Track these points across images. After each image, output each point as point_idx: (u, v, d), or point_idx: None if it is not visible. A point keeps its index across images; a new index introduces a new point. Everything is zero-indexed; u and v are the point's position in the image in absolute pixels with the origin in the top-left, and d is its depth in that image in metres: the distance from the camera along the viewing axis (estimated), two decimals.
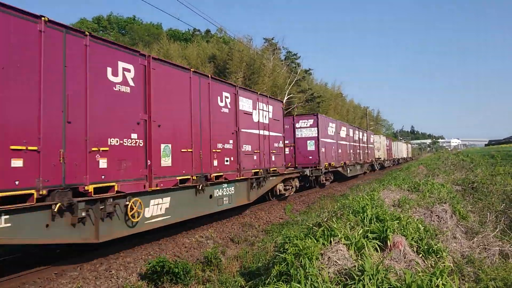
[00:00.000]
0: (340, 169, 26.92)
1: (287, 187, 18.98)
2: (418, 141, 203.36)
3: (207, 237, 11.98)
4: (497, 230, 8.40)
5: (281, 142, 17.59)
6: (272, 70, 39.51)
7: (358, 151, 33.50)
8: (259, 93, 16.05)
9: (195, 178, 11.15)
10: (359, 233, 6.01)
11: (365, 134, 37.24)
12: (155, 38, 54.05)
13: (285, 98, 44.05)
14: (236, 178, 13.61)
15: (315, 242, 5.71)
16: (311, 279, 4.82)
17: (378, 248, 5.76)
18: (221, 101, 12.79)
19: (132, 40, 57.12)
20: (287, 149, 20.93)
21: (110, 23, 73.34)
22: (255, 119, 15.16)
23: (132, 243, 10.54)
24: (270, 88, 38.62)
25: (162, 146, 9.83)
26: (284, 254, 5.56)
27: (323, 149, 22.88)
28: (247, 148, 14.30)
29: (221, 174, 12.59)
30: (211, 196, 12.28)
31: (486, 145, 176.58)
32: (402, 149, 68.92)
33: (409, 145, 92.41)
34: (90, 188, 7.81)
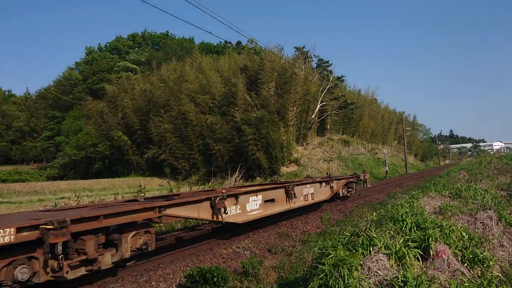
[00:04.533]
0: None
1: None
2: (458, 145, 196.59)
3: (244, 247, 11.99)
4: None
5: None
6: (304, 78, 39.39)
7: None
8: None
9: None
10: (399, 242, 5.84)
11: None
12: (187, 52, 55.19)
13: (318, 106, 43.78)
14: None
15: (354, 252, 5.60)
16: None
17: (420, 258, 5.58)
18: None
19: (166, 54, 58.53)
20: None
21: (145, 39, 75.53)
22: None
23: (170, 255, 10.68)
24: (302, 97, 38.48)
25: None
26: (322, 265, 5.48)
27: None
28: None
29: None
30: None
31: None
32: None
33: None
34: None
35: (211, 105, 37.01)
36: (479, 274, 5.44)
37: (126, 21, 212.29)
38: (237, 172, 25.39)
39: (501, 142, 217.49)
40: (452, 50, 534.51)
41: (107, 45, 72.37)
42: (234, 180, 23.28)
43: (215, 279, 7.58)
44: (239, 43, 59.40)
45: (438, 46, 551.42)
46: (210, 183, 22.64)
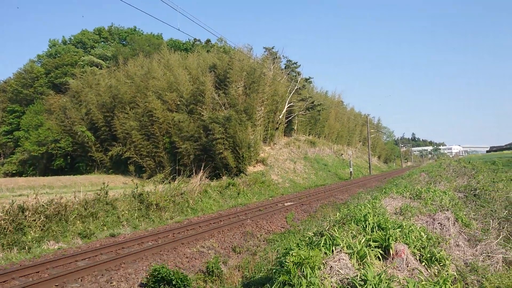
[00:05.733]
0: None
1: None
2: (420, 148, 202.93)
3: (208, 247, 11.93)
4: (500, 237, 8.35)
5: None
6: (272, 79, 39.57)
7: None
8: None
9: None
10: (361, 241, 5.96)
11: None
12: (155, 48, 54.23)
13: (286, 107, 44.10)
14: None
15: (317, 251, 5.66)
16: None
17: (381, 257, 5.72)
18: None
19: (133, 50, 57.34)
20: None
21: (111, 34, 73.69)
22: None
23: (133, 254, 10.48)
24: (270, 97, 38.63)
25: None
26: (286, 264, 5.51)
27: None
28: None
29: None
30: None
31: (487, 151, 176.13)
32: None
33: None
34: None
35: (179, 103, 36.57)
36: (436, 273, 5.63)
37: (92, 14, 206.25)
38: (202, 171, 25.15)
39: (459, 145, 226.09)
40: (416, 54, 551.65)
41: (72, 38, 70.14)
42: (199, 179, 23.05)
43: (174, 280, 7.51)
44: (208, 41, 58.93)
45: (403, 50, 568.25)
46: (176, 182, 22.32)
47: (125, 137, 39.23)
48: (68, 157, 46.95)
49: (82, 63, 58.01)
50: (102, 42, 71.19)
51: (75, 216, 14.31)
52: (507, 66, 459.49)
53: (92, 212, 15.06)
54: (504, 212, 11.40)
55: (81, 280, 8.59)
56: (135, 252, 10.78)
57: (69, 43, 69.66)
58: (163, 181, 30.09)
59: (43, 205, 13.71)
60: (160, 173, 35.22)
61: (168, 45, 56.09)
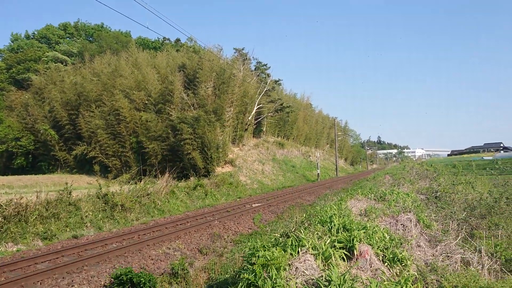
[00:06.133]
0: None
1: None
2: (385, 151, 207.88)
3: (174, 248, 11.79)
4: (459, 238, 8.65)
5: None
6: (242, 80, 39.59)
7: None
8: None
9: None
10: (326, 243, 6.03)
11: None
12: (123, 46, 53.18)
13: (255, 108, 44.23)
14: None
15: (283, 252, 5.69)
16: None
17: (345, 258, 5.80)
18: None
19: (100, 47, 56.02)
20: None
21: (77, 30, 71.73)
22: None
23: (96, 256, 10.22)
24: (240, 98, 38.65)
25: None
26: (252, 265, 5.51)
27: None
28: None
29: None
30: None
31: (448, 155, 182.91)
32: None
33: None
34: None
35: (147, 102, 35.97)
36: (398, 273, 5.76)
37: (57, 8, 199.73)
38: (170, 171, 24.86)
39: (423, 149, 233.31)
40: (381, 58, 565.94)
41: (36, 33, 67.81)
42: (167, 180, 22.75)
43: (140, 282, 7.37)
44: (178, 40, 58.30)
45: (370, 54, 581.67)
46: (142, 182, 21.96)
47: (90, 136, 38.24)
48: (30, 155, 45.30)
49: (46, 59, 56.15)
50: (68, 38, 69.20)
51: (36, 217, 13.82)
52: (468, 73, 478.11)
53: (54, 212, 14.60)
54: (463, 214, 11.83)
55: (40, 284, 8.30)
56: (99, 254, 10.51)
57: (32, 38, 67.33)
58: (129, 182, 29.57)
59: (1, 205, 13.18)
60: (127, 173, 34.55)
61: (136, 43, 55.18)
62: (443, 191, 15.68)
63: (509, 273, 7.46)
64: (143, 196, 19.47)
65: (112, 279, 7.66)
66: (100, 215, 16.12)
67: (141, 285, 7.32)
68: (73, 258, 10.20)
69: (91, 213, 15.90)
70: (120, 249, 11.12)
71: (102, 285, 8.29)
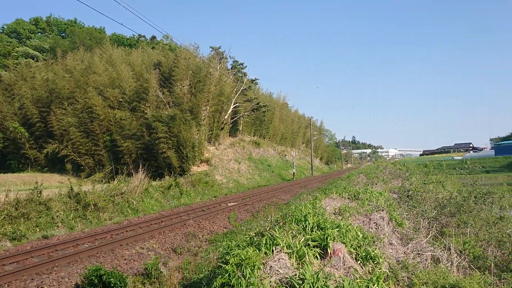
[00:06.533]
0: None
1: None
2: (359, 151, 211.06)
3: (148, 248, 11.65)
4: (430, 236, 8.86)
5: None
6: (218, 79, 39.43)
7: None
8: None
9: None
10: (300, 241, 6.07)
11: None
12: (97, 42, 52.12)
13: (231, 107, 44.13)
14: None
15: (258, 251, 5.69)
16: None
17: (319, 256, 5.85)
18: None
19: (73, 43, 54.73)
20: None
21: (49, 25, 69.87)
22: None
23: (68, 257, 10.00)
24: (216, 97, 38.48)
25: None
26: (226, 264, 5.49)
27: None
28: None
29: None
30: None
31: (420, 155, 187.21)
32: None
33: None
34: None
35: (121, 100, 35.35)
36: (370, 271, 5.85)
37: (28, 2, 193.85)
38: (145, 170, 24.52)
39: (396, 149, 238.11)
40: (357, 59, 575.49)
41: (5, 27, 65.75)
42: (141, 179, 22.45)
43: (112, 282, 7.24)
44: (153, 37, 57.69)
45: (346, 54, 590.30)
46: (115, 181, 21.60)
47: (62, 134, 37.30)
48: None
49: (16, 54, 54.51)
50: (39, 33, 67.33)
51: (4, 217, 13.41)
52: (439, 76, 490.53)
53: (23, 212, 14.19)
54: (433, 212, 12.13)
55: (8, 286, 8.05)
56: (70, 254, 10.28)
57: (1, 32, 65.21)
58: (103, 181, 29.04)
59: None
60: (100, 172, 33.89)
61: (111, 39, 54.16)
62: (415, 190, 16.03)
63: (476, 270, 7.69)
64: (116, 195, 19.15)
65: (83, 280, 7.50)
66: (72, 214, 15.77)
67: (112, 285, 7.18)
68: (43, 259, 9.94)
69: (62, 213, 15.53)
70: (92, 249, 10.90)
71: (73, 286, 8.11)
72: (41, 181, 16.86)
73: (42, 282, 8.28)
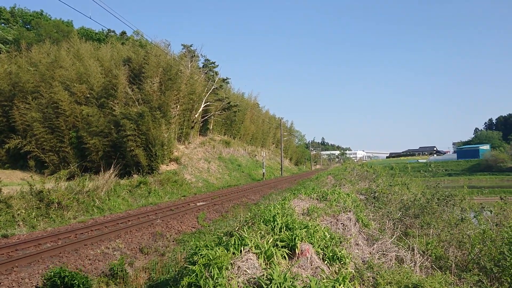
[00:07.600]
0: None
1: None
2: (328, 152, 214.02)
3: (114, 248, 11.40)
4: (394, 236, 9.08)
5: None
6: (189, 77, 39.08)
7: None
8: None
9: None
10: (269, 242, 6.08)
11: None
12: (64, 36, 50.60)
13: (202, 106, 43.84)
14: None
15: (226, 251, 5.67)
16: None
17: (287, 256, 5.89)
18: None
19: (38, 36, 52.91)
20: None
21: (13, 16, 67.31)
22: None
23: (28, 257, 9.65)
24: (187, 95, 38.13)
25: None
26: (194, 264, 5.45)
27: None
28: None
29: None
30: None
31: (387, 157, 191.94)
32: None
33: None
34: None
35: (88, 95, 34.46)
36: (336, 271, 5.94)
37: None
38: (112, 168, 24.03)
39: (363, 151, 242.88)
40: (328, 61, 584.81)
41: None
42: (108, 177, 21.97)
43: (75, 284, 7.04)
44: (123, 33, 56.52)
45: (316, 56, 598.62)
46: (81, 179, 21.05)
47: (26, 129, 36.00)
48: None
49: None
50: (3, 24, 64.73)
51: None
52: (406, 78, 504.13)
53: None
54: (398, 214, 12.45)
55: None
56: (31, 254, 9.93)
57: None
58: (68, 178, 28.24)
59: None
60: (65, 169, 32.93)
61: (79, 33, 52.65)
62: (381, 191, 16.39)
63: (438, 269, 7.94)
64: (81, 194, 18.66)
65: (45, 281, 7.25)
66: (34, 213, 15.25)
67: (75, 287, 6.99)
68: (1, 259, 9.56)
69: (23, 211, 15.00)
70: (55, 249, 10.57)
71: (34, 287, 7.84)
72: (2, 178, 16.25)
73: (0, 283, 7.96)
